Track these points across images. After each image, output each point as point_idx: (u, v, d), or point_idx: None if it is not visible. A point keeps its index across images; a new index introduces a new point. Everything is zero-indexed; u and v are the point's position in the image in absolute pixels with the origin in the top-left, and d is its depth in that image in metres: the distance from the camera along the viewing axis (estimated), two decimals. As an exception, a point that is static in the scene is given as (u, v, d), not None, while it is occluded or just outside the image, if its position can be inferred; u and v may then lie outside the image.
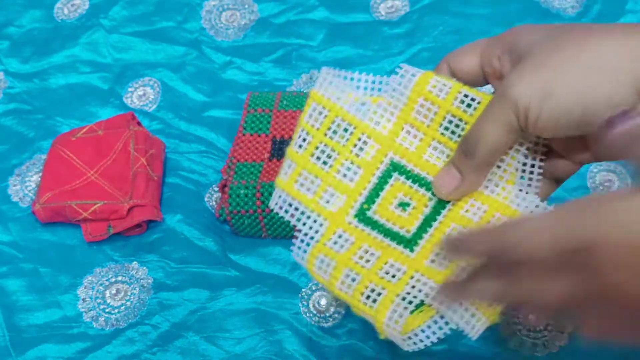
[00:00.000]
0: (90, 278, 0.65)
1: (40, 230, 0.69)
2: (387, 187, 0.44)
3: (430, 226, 0.43)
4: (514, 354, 0.57)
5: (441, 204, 0.43)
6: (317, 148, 0.44)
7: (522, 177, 0.43)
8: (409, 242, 0.43)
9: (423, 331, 0.41)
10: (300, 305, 0.62)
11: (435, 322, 0.41)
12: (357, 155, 0.44)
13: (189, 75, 0.78)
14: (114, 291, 0.64)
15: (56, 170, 0.68)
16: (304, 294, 0.62)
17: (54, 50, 0.82)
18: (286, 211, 0.44)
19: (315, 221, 0.44)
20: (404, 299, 0.42)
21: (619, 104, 0.35)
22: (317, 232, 0.44)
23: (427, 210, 0.43)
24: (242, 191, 0.64)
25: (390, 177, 0.44)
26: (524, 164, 0.43)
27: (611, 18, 0.76)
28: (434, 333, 0.41)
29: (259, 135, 0.69)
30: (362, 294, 0.42)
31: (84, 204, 0.66)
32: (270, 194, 0.62)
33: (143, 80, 0.79)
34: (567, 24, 0.38)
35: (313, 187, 0.44)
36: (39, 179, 0.70)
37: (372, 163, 0.44)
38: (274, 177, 0.65)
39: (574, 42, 0.37)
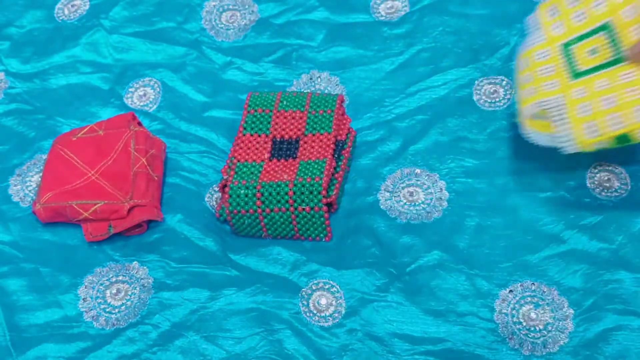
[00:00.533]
0: (90, 278, 0.65)
1: (41, 230, 0.69)
2: (593, 37, 0.60)
3: (598, 71, 0.59)
4: (514, 353, 0.58)
5: (617, 62, 0.58)
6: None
7: None
8: (577, 74, 0.60)
9: (537, 133, 0.62)
10: (300, 305, 0.62)
11: (549, 135, 0.60)
12: (591, 8, 0.61)
13: (189, 75, 0.78)
14: (114, 291, 0.64)
15: (57, 170, 0.69)
16: (304, 293, 0.62)
17: (55, 51, 0.82)
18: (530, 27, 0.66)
19: (539, 36, 0.64)
20: (544, 105, 0.60)
21: None
22: (536, 41, 0.64)
23: (604, 62, 0.59)
24: (242, 191, 0.64)
25: (600, 32, 0.60)
26: None
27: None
28: (541, 138, 0.61)
29: (259, 136, 0.69)
30: (525, 87, 0.63)
31: (84, 204, 0.66)
32: (271, 194, 0.63)
33: (143, 80, 0.79)
34: None
35: (554, 16, 0.64)
36: (40, 179, 0.70)
37: (596, 17, 0.61)
38: (274, 177, 0.65)
39: None
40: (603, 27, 0.61)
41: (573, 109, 0.59)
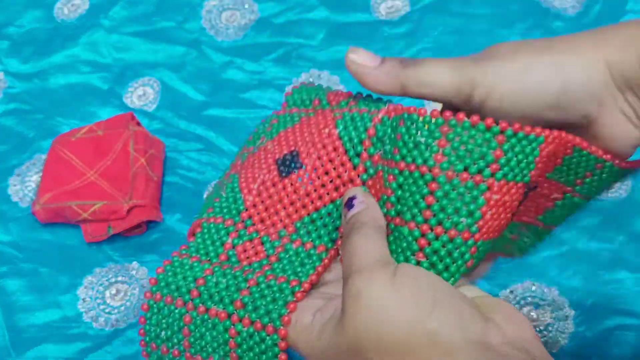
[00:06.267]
0: (90, 278, 0.65)
1: (40, 230, 0.69)
2: None
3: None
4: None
5: None
6: None
7: None
8: None
9: None
10: (300, 305, 0.62)
11: None
12: None
13: (189, 75, 0.78)
14: (113, 291, 0.64)
15: (56, 170, 0.68)
16: (303, 294, 0.62)
17: (54, 50, 0.82)
18: None
19: None
20: None
21: (594, 90, 0.35)
22: None
23: None
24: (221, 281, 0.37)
25: None
26: None
27: (611, 18, 0.76)
28: None
29: None
30: None
31: (83, 204, 0.66)
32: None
33: (143, 80, 0.79)
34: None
35: None
36: (39, 179, 0.70)
37: None
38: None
39: (544, 40, 0.37)
40: None
41: None
